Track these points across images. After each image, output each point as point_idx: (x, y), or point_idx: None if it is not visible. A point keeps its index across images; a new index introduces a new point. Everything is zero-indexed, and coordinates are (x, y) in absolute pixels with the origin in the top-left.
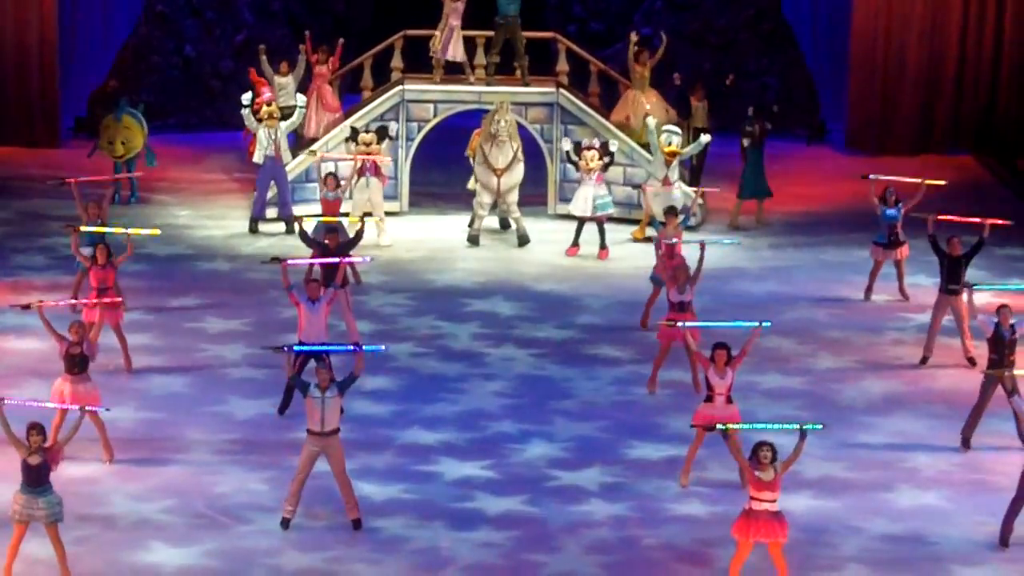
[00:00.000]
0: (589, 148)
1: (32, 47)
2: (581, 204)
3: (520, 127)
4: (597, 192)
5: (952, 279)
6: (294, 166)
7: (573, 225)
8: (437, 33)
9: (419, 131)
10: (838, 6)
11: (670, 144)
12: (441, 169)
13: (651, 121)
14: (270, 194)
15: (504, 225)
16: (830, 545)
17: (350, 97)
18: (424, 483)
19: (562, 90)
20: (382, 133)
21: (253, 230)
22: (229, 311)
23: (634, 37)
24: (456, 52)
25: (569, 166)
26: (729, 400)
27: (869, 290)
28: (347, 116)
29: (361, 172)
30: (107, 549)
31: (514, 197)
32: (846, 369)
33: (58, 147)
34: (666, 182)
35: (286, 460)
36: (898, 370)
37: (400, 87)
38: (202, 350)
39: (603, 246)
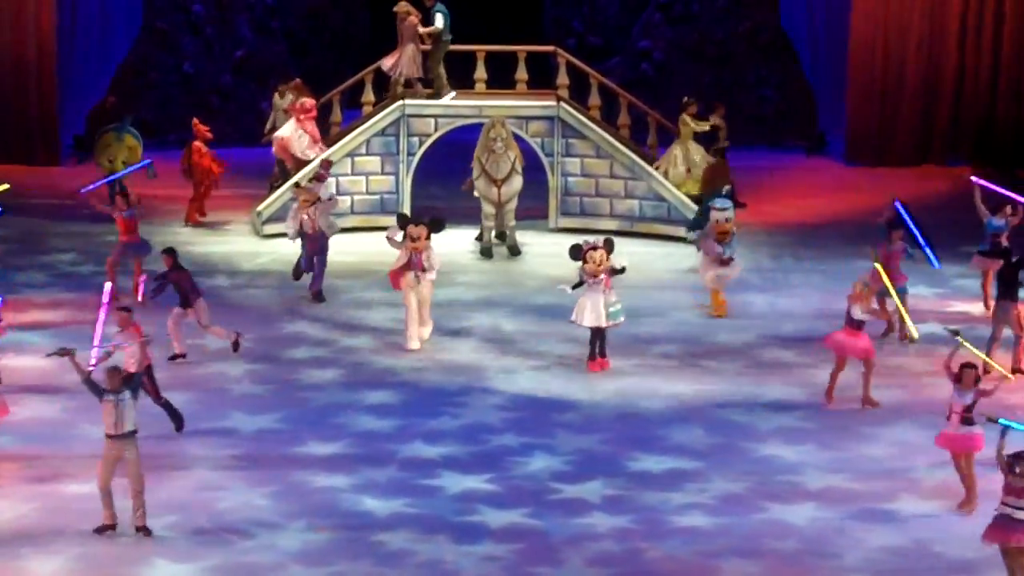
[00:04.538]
0: (595, 248)
1: (31, 65)
2: (591, 315)
3: (521, 140)
4: (608, 299)
5: (1006, 287)
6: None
7: (574, 239)
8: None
9: (420, 146)
10: (836, 18)
11: (717, 221)
12: (442, 183)
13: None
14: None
15: (501, 236)
16: (833, 556)
17: (350, 112)
18: (427, 497)
19: (563, 103)
20: (436, 225)
21: (321, 300)
22: (230, 327)
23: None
24: (411, 70)
25: (571, 180)
26: (964, 421)
27: (986, 300)
28: (349, 131)
29: (408, 267)
30: (110, 565)
31: (513, 206)
32: (847, 380)
33: (57, 165)
34: (724, 262)
35: (289, 475)
36: (900, 380)
37: (401, 102)
38: (204, 366)
39: (603, 354)
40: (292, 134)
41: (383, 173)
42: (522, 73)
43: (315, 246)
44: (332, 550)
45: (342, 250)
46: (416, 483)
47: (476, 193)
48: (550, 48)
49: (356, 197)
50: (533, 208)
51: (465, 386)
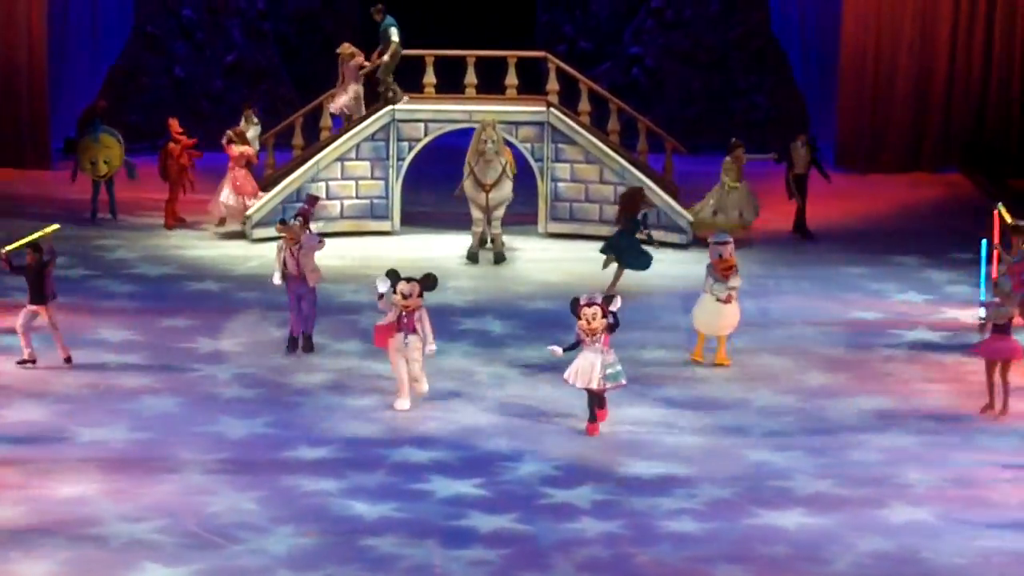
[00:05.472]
0: (590, 304)
1: (22, 68)
2: (587, 376)
3: (511, 146)
4: (605, 359)
5: None
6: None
7: (564, 244)
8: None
9: (410, 150)
10: (827, 24)
11: (720, 256)
12: (432, 188)
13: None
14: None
15: (492, 242)
16: (822, 562)
17: (339, 120)
18: (416, 501)
19: (552, 109)
20: (429, 282)
21: (295, 349)
22: (220, 331)
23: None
24: (355, 110)
25: (561, 185)
26: None
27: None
28: (339, 135)
29: (398, 327)
30: (99, 570)
31: (500, 212)
32: (837, 386)
33: (48, 168)
34: (727, 299)
35: (278, 480)
36: (889, 387)
37: (391, 106)
38: (193, 370)
39: (601, 407)
40: (233, 198)
41: (373, 178)
42: (512, 78)
43: (298, 288)
44: (321, 554)
45: (331, 254)
46: (405, 487)
47: (456, 194)
48: (540, 54)
49: (346, 202)
50: (523, 214)
51: (455, 391)
